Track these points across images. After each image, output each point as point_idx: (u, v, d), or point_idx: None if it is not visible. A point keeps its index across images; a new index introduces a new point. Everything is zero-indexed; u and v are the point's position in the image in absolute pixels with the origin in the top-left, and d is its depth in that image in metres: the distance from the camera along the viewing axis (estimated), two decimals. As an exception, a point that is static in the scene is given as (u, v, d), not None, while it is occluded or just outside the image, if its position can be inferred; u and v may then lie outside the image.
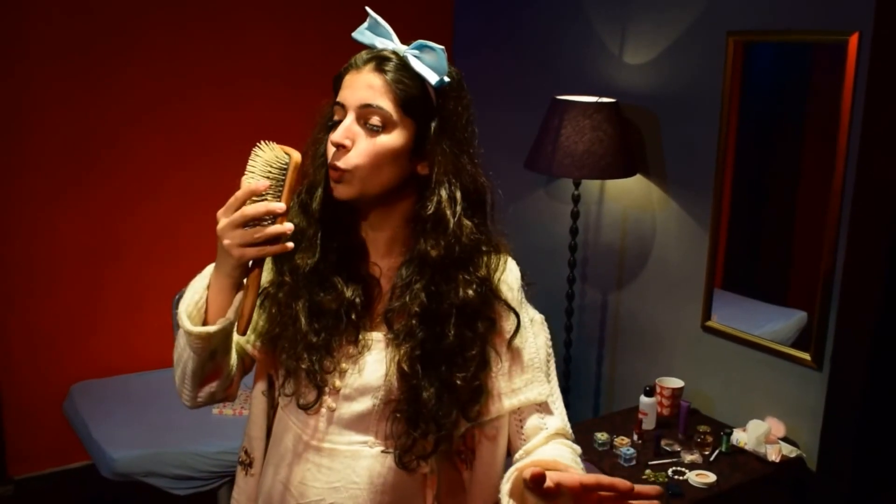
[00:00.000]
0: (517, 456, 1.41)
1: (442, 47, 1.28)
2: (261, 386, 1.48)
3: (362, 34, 1.34)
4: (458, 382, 1.31)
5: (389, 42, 1.32)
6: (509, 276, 1.40)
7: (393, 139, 1.28)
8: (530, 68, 3.83)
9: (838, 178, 2.63)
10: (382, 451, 1.35)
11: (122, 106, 3.53)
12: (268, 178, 1.20)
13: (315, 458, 1.37)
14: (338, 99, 1.31)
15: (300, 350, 1.34)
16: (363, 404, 1.35)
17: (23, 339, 3.48)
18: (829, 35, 2.63)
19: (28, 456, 3.55)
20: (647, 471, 2.67)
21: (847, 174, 2.61)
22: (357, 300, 1.34)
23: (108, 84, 3.48)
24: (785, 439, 2.80)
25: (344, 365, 1.35)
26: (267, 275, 1.39)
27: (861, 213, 2.56)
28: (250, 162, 1.21)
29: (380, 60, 1.29)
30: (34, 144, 3.39)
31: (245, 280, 1.25)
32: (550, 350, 1.47)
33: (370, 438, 1.36)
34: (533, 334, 1.42)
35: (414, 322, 1.30)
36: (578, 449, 1.42)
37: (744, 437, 2.78)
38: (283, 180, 1.21)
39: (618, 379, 3.52)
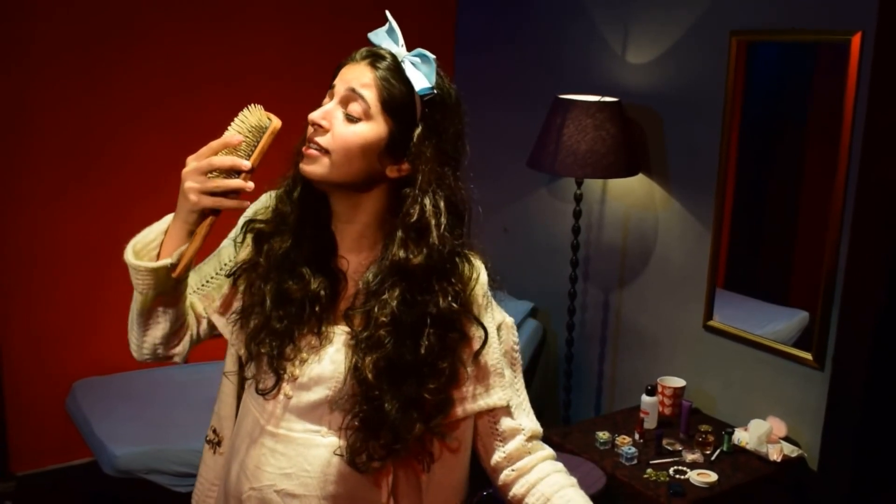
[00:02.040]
0: (496, 459, 1.43)
1: (434, 57, 1.32)
2: (229, 366, 1.49)
3: (376, 35, 1.37)
4: (427, 396, 1.32)
5: (394, 46, 1.35)
6: (479, 286, 1.41)
7: (367, 131, 1.30)
8: (533, 67, 3.83)
9: (840, 178, 2.63)
10: (335, 453, 1.35)
11: (124, 104, 3.53)
12: (246, 136, 1.25)
13: (270, 443, 1.39)
14: (331, 84, 1.35)
15: (263, 335, 1.36)
16: (318, 394, 1.36)
17: (25, 336, 3.48)
18: (831, 35, 2.63)
19: (30, 452, 3.56)
20: (649, 470, 2.67)
21: (849, 174, 2.61)
22: (322, 293, 1.36)
23: (111, 82, 3.48)
24: (786, 439, 2.80)
25: (304, 354, 1.37)
26: (245, 253, 1.42)
27: (863, 213, 2.56)
28: (236, 119, 1.27)
29: (375, 58, 1.33)
30: (36, 143, 3.39)
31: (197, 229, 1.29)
32: (517, 355, 1.48)
33: (323, 428, 1.37)
34: (498, 340, 1.43)
35: (382, 332, 1.31)
36: (554, 453, 1.47)
37: (745, 437, 2.78)
38: (259, 141, 1.26)
39: (619, 378, 3.53)
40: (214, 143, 1.25)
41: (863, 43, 2.53)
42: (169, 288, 1.34)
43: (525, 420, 1.45)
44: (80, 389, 3.41)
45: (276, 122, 1.27)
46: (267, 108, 1.28)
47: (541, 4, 3.76)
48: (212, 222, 1.28)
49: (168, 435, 3.08)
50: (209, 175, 1.24)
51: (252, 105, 1.27)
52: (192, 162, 1.25)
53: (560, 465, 1.45)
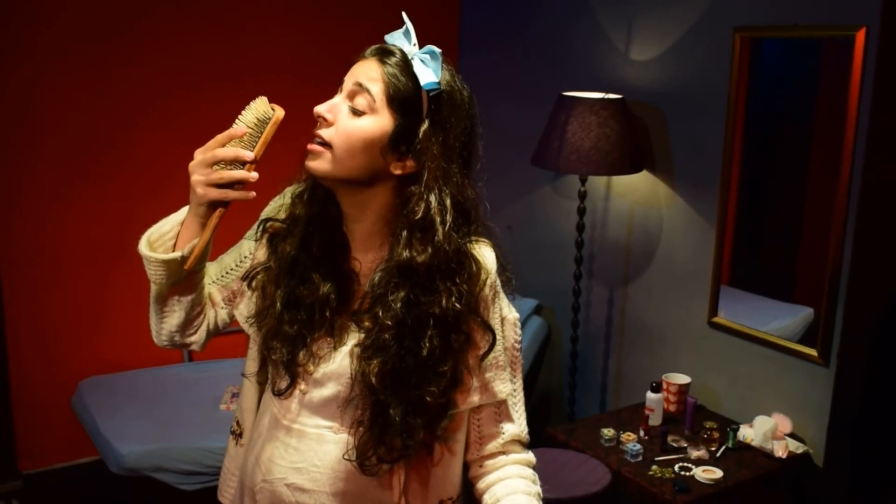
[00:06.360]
0: (472, 456, 1.44)
1: (440, 51, 1.32)
2: (250, 366, 1.51)
3: (392, 36, 1.38)
4: (428, 399, 1.31)
5: (406, 44, 1.35)
6: (488, 283, 1.37)
7: (370, 125, 1.30)
8: (537, 64, 3.83)
9: (845, 174, 2.63)
10: (344, 457, 1.36)
11: (129, 102, 3.54)
12: (250, 127, 1.27)
13: (284, 437, 1.42)
14: (343, 80, 1.36)
15: (276, 342, 1.38)
16: (330, 391, 1.38)
17: (32, 334, 3.50)
18: (836, 30, 2.63)
19: (37, 451, 3.57)
20: (654, 467, 2.68)
21: (853, 169, 2.61)
22: (332, 296, 1.37)
23: (116, 81, 3.49)
24: (791, 435, 2.80)
25: (318, 354, 1.38)
26: (261, 252, 1.44)
27: (868, 209, 2.55)
28: (243, 112, 1.29)
29: (384, 53, 1.33)
30: (42, 141, 3.40)
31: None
32: (518, 353, 1.45)
33: (335, 424, 1.39)
34: (502, 335, 1.41)
35: (386, 336, 1.30)
36: (532, 459, 1.46)
37: (750, 434, 2.78)
38: (262, 132, 1.28)
39: (624, 375, 3.53)
40: (220, 136, 1.26)
41: (867, 38, 2.53)
42: (182, 279, 1.36)
43: (511, 424, 1.44)
44: (86, 388, 3.42)
45: (279, 113, 1.28)
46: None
47: (544, 2, 3.76)
48: (221, 214, 1.30)
49: (174, 433, 3.09)
50: (214, 167, 1.26)
51: (259, 97, 1.29)
52: (199, 155, 1.27)
53: (527, 472, 1.43)
